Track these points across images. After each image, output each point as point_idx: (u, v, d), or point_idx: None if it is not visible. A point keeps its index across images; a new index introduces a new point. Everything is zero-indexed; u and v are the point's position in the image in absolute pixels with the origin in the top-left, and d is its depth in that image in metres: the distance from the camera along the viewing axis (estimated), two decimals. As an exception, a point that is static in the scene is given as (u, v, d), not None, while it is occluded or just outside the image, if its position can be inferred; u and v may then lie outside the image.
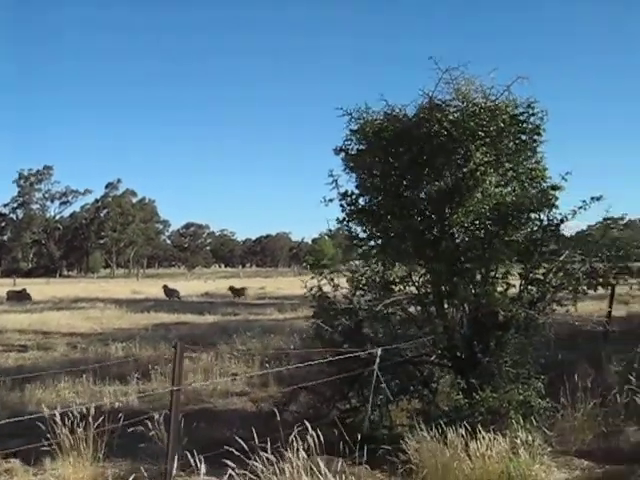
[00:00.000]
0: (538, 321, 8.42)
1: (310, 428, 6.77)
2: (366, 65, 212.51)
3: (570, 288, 9.02)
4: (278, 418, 7.63)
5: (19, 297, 44.29)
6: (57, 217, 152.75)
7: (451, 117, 8.51)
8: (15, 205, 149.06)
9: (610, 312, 14.28)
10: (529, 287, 9.04)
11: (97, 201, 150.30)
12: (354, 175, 8.99)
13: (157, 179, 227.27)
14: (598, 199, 9.49)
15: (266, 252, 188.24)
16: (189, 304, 40.39)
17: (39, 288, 60.15)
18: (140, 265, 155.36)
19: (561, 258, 8.90)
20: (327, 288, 9.70)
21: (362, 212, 8.96)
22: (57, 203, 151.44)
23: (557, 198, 8.99)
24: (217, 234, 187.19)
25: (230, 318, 29.88)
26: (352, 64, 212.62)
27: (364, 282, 9.34)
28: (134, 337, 20.21)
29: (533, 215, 9.10)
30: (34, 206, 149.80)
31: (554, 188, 9.04)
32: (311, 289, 9.42)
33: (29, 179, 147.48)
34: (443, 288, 8.75)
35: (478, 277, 8.94)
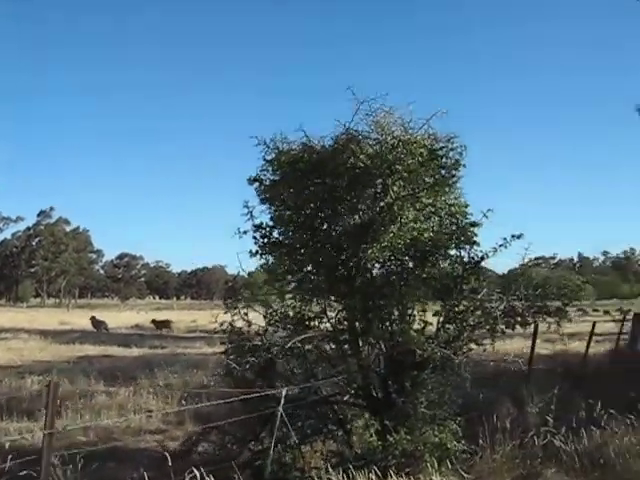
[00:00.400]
0: (454, 361, 8.15)
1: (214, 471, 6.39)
2: (279, 98, 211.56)
3: (487, 327, 8.84)
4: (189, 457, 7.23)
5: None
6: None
7: (369, 150, 8.30)
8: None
9: (533, 350, 14.16)
10: (447, 325, 8.83)
11: (29, 229, 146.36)
12: (269, 206, 8.66)
13: (91, 208, 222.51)
14: (518, 237, 9.41)
15: (201, 285, 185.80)
16: (117, 336, 39.36)
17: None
18: (72, 295, 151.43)
19: (479, 296, 8.72)
20: (241, 323, 9.31)
21: (276, 245, 8.64)
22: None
23: (476, 235, 8.84)
24: (152, 265, 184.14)
25: (156, 351, 29.12)
26: (260, 98, 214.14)
27: (277, 318, 8.97)
28: (53, 370, 19.42)
29: (453, 252, 8.93)
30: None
31: (473, 225, 8.90)
32: (221, 324, 9.00)
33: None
34: (358, 325, 8.46)
35: (395, 314, 8.69)
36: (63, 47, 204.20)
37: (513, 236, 9.39)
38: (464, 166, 9.10)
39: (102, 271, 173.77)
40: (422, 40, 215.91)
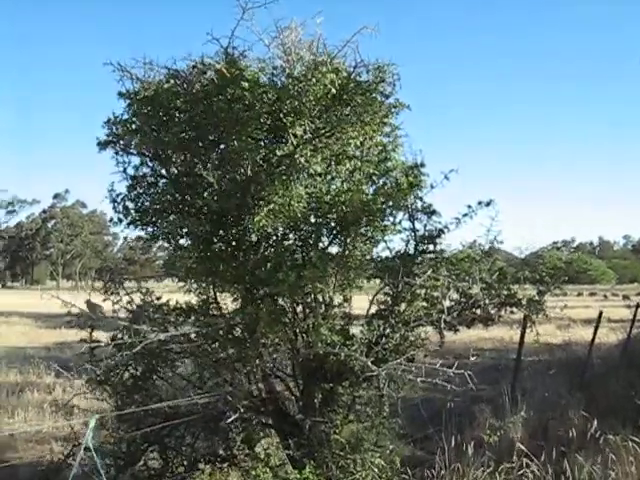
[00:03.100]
0: (374, 372, 5.71)
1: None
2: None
3: (431, 323, 6.48)
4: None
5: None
6: (3, 227, 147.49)
7: (261, 76, 5.94)
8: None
9: (521, 342, 11.67)
10: (374, 321, 6.47)
11: (44, 211, 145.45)
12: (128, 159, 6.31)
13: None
14: (488, 204, 7.11)
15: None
16: (112, 321, 37.53)
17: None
18: (89, 277, 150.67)
19: (418, 281, 6.33)
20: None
21: (141, 213, 6.28)
22: (3, 212, 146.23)
23: (415, 187, 6.46)
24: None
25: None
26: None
27: (152, 309, 6.68)
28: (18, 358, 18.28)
29: (384, 221, 6.56)
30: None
31: (413, 175, 6.52)
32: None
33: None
34: (242, 320, 6.07)
35: (301, 306, 6.35)
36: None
37: (480, 203, 7.09)
38: (406, 106, 6.75)
39: (120, 254, 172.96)
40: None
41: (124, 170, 6.15)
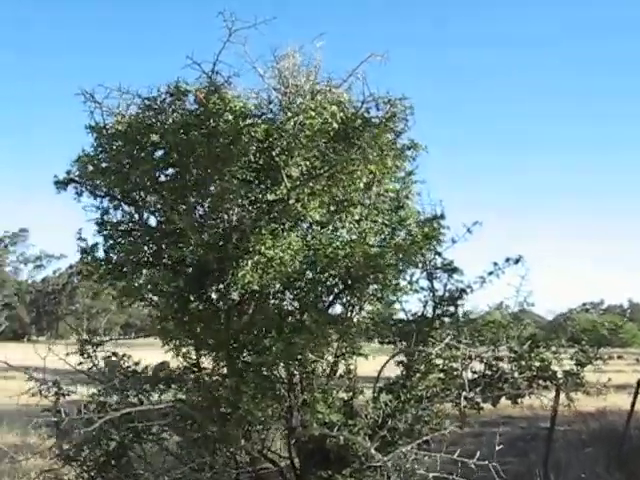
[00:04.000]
0: (375, 458, 4.69)
1: None
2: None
3: (451, 399, 5.47)
4: None
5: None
6: (30, 281, 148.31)
7: (248, 106, 5.09)
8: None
9: (555, 413, 10.38)
10: (382, 395, 5.47)
11: (71, 267, 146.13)
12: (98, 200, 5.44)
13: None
14: (516, 262, 6.20)
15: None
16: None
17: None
18: (114, 333, 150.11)
19: (435, 349, 5.33)
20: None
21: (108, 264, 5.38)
22: (31, 266, 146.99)
23: (433, 243, 5.56)
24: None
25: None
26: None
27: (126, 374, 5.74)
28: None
29: (397, 279, 5.62)
30: (7, 268, 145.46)
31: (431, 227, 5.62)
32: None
33: (3, 241, 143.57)
34: (229, 392, 5.08)
35: (297, 377, 5.37)
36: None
37: (507, 260, 6.19)
38: (423, 148, 5.88)
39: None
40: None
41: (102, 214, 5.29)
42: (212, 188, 4.96)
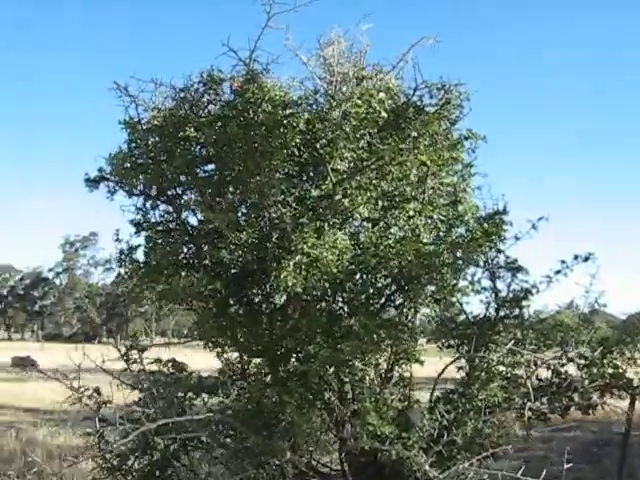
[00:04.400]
0: (429, 475, 4.28)
1: None
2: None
3: (515, 409, 5.02)
4: None
5: (24, 363, 41.58)
6: (100, 283, 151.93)
7: (286, 96, 4.75)
8: (59, 270, 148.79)
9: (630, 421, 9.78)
10: (440, 405, 5.05)
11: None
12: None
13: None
14: (586, 259, 5.73)
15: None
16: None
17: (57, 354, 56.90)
18: (182, 335, 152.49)
19: (495, 356, 4.89)
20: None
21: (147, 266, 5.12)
22: (100, 269, 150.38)
23: (495, 239, 5.13)
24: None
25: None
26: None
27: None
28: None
29: (455, 278, 5.21)
30: (78, 272, 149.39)
31: (493, 223, 5.18)
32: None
33: (74, 245, 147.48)
34: (271, 401, 4.74)
35: (348, 386, 5.01)
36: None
37: (576, 257, 5.73)
38: (481, 138, 5.45)
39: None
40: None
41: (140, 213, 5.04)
42: (251, 184, 4.63)
